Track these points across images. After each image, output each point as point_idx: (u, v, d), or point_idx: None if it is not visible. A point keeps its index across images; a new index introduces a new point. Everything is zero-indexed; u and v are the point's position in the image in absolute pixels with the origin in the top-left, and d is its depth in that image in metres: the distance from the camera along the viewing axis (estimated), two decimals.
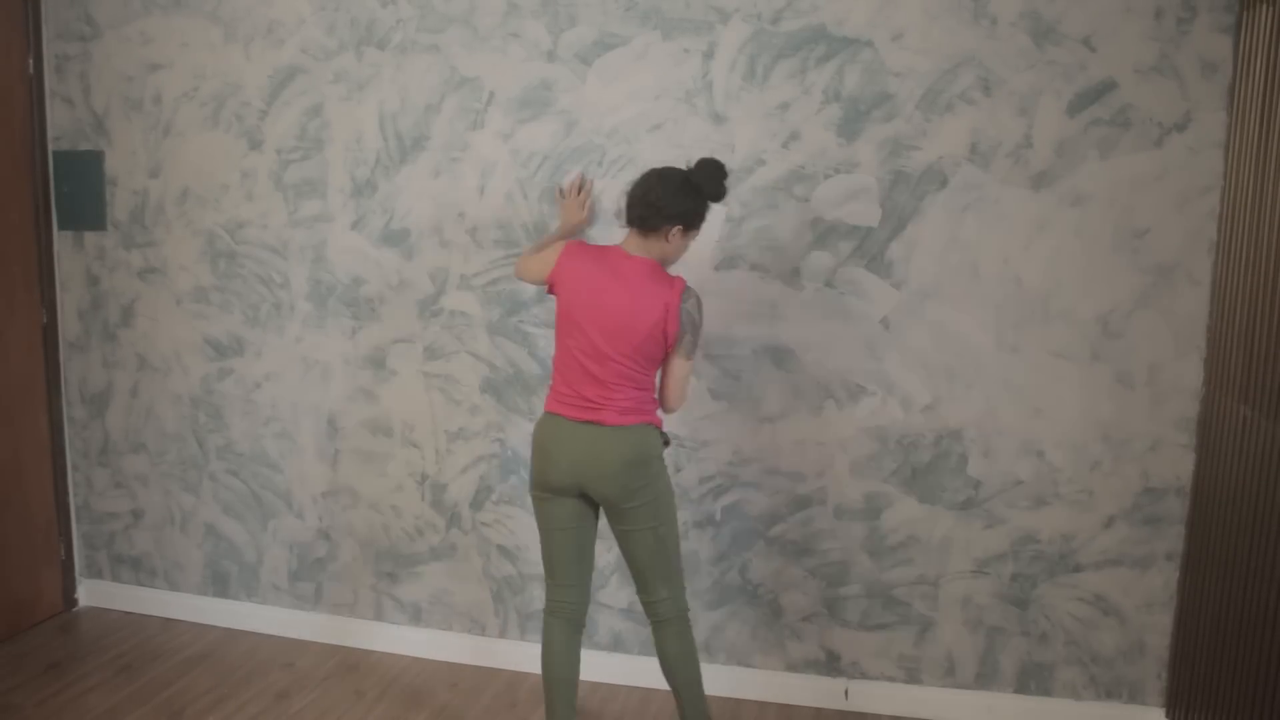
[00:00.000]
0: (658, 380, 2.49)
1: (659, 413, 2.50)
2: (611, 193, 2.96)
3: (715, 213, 2.88)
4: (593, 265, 2.43)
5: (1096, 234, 2.69)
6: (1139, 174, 2.65)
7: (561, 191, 2.96)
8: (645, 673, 3.12)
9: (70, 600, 3.67)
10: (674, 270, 2.58)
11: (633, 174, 2.91)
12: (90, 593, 3.70)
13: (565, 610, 2.55)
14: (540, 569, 3.20)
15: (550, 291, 2.51)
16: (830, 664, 3.03)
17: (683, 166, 2.45)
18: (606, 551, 3.13)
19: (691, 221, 2.42)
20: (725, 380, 2.97)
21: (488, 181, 3.07)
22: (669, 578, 2.49)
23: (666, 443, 2.51)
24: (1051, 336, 2.76)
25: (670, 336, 2.39)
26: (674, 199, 2.37)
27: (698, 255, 2.90)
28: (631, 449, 2.41)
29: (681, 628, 2.51)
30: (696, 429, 3.00)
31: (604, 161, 2.96)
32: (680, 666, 2.51)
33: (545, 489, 2.49)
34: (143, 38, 3.32)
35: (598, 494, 2.44)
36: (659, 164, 2.88)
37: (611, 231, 2.96)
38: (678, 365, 2.45)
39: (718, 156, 2.84)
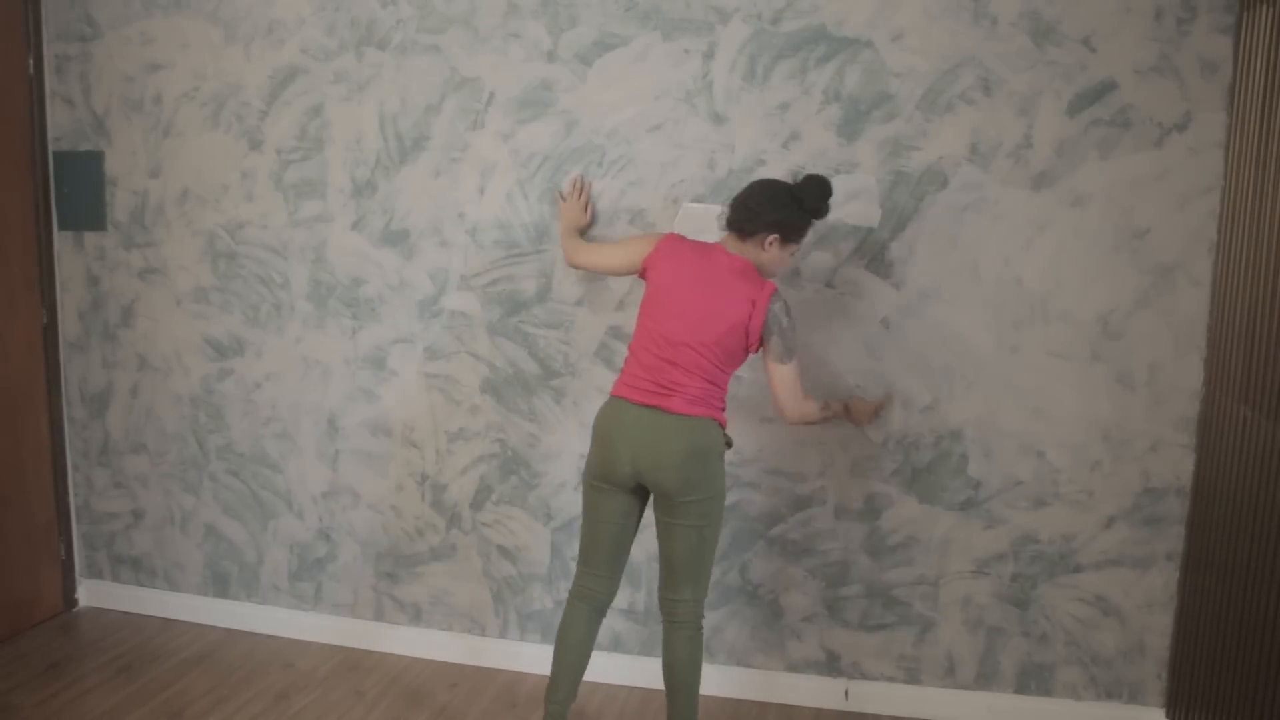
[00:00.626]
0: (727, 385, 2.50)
1: (725, 414, 2.50)
2: (611, 193, 2.96)
3: (715, 213, 2.89)
4: (690, 255, 2.47)
5: (1096, 234, 2.69)
6: (1139, 174, 2.65)
7: (561, 194, 2.96)
8: (645, 673, 3.13)
9: (70, 600, 3.67)
10: None
11: (633, 174, 2.93)
12: (90, 593, 3.70)
13: (592, 597, 2.56)
14: (540, 569, 3.20)
15: (642, 276, 2.54)
16: (830, 664, 3.03)
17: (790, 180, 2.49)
18: None
19: (789, 234, 2.44)
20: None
21: (488, 182, 3.07)
22: (697, 581, 2.49)
23: (729, 444, 2.50)
24: (1051, 336, 2.76)
25: (753, 335, 2.40)
26: (773, 208, 2.40)
27: None
28: (693, 438, 2.40)
29: (694, 633, 2.50)
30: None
31: (604, 162, 2.96)
32: (683, 672, 2.50)
33: (602, 479, 2.48)
34: (143, 38, 3.32)
35: (654, 482, 2.42)
36: (658, 164, 2.90)
37: (612, 229, 2.97)
38: (776, 371, 2.45)
39: (714, 160, 2.86)
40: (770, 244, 2.44)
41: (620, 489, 2.48)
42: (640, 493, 2.52)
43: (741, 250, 2.46)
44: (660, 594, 2.53)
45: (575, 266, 2.81)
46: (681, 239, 2.52)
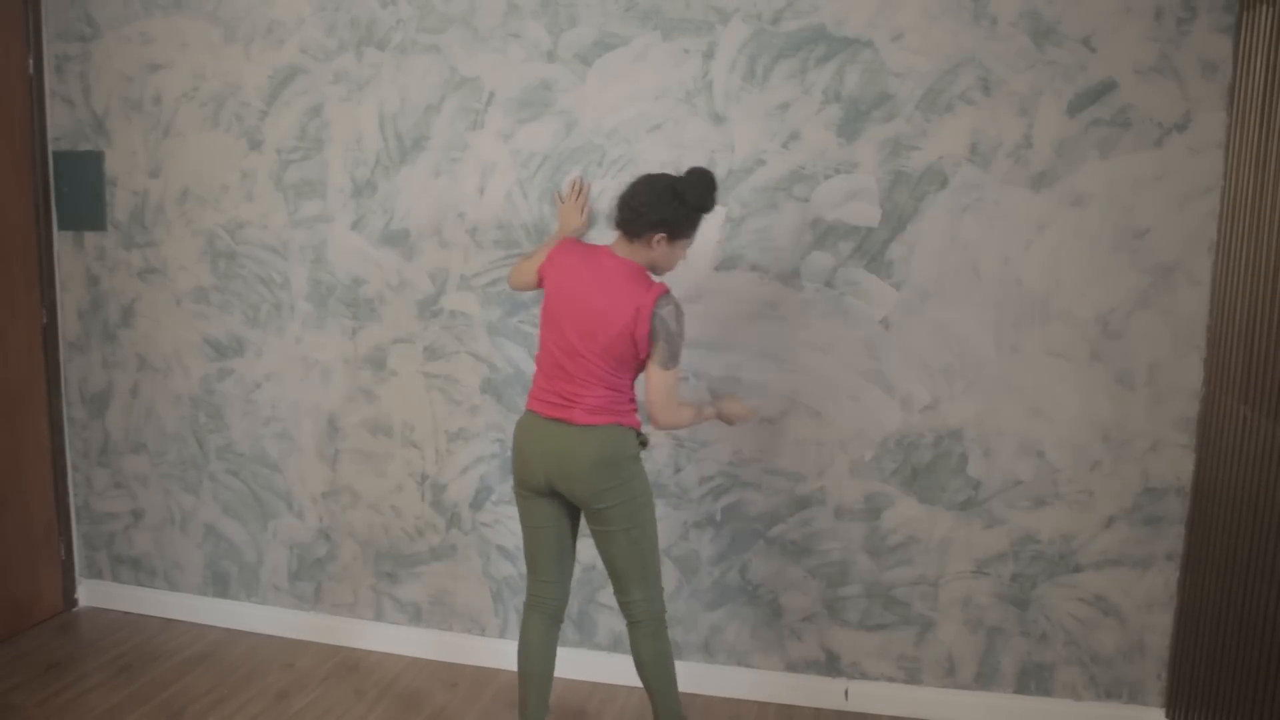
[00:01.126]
0: (639, 386, 2.47)
1: (638, 415, 2.48)
2: (610, 193, 2.96)
3: (715, 213, 2.88)
4: (578, 261, 2.42)
5: (1096, 234, 2.69)
6: (1139, 174, 2.65)
7: (560, 196, 2.96)
8: None
9: (70, 600, 3.67)
10: (669, 276, 2.57)
11: (633, 175, 2.92)
12: (90, 593, 3.70)
13: (544, 605, 2.57)
14: None
15: (539, 285, 2.52)
16: (830, 664, 3.03)
17: (675, 173, 2.43)
18: None
19: (675, 230, 2.36)
20: (725, 380, 2.97)
21: (488, 182, 3.07)
22: (643, 580, 2.48)
23: (644, 444, 2.48)
24: (1051, 336, 2.76)
25: (640, 341, 2.34)
26: (656, 206, 2.33)
27: (698, 254, 2.90)
28: (599, 448, 2.38)
29: (655, 629, 2.50)
30: (696, 429, 3.00)
31: (604, 162, 2.96)
32: (652, 667, 2.50)
33: (522, 486, 2.51)
34: (143, 38, 3.32)
35: (567, 492, 2.43)
36: (658, 165, 2.89)
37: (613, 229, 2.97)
38: (655, 375, 2.37)
39: (714, 160, 2.85)
40: (658, 242, 2.37)
41: (541, 494, 2.49)
42: (564, 497, 2.51)
43: (631, 252, 2.40)
44: (615, 597, 2.55)
45: (513, 288, 2.72)
46: (573, 245, 2.48)
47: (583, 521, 2.56)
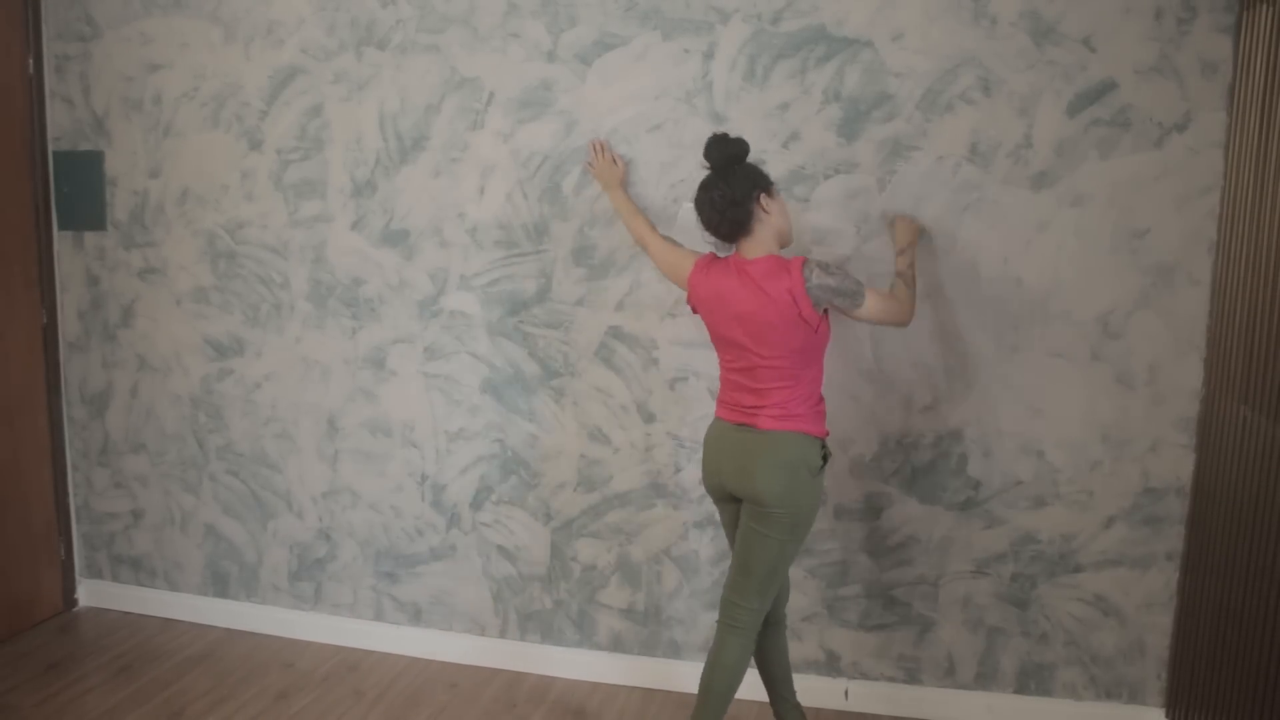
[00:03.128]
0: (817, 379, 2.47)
1: (825, 424, 2.48)
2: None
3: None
4: (720, 279, 2.43)
5: (1096, 234, 2.69)
6: (1139, 174, 2.65)
7: (589, 164, 2.94)
8: (645, 673, 3.13)
9: (70, 600, 3.67)
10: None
11: (633, 174, 2.93)
12: (90, 593, 3.70)
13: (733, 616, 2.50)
14: (540, 569, 3.21)
15: (689, 302, 2.55)
16: (830, 664, 3.03)
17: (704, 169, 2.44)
18: (606, 552, 3.13)
19: (760, 181, 2.38)
20: None
21: (488, 181, 3.07)
22: (764, 593, 2.45)
23: (826, 457, 2.44)
24: (1051, 336, 2.76)
25: (811, 318, 2.34)
26: (730, 184, 2.34)
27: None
28: (783, 453, 2.38)
29: (747, 641, 2.47)
30: (697, 429, 3.00)
31: None
32: (727, 676, 2.46)
33: (710, 491, 2.57)
34: (143, 38, 3.32)
35: (743, 492, 2.43)
36: (658, 164, 2.90)
37: (613, 229, 2.96)
38: (864, 316, 2.40)
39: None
40: (763, 206, 2.37)
41: (726, 500, 2.54)
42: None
43: (755, 246, 2.40)
44: (725, 596, 2.49)
45: (637, 240, 2.78)
46: (710, 263, 2.48)
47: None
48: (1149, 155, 2.64)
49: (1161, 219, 2.66)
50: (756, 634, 2.49)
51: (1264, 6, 2.38)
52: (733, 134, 2.44)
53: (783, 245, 2.46)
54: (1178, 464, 2.74)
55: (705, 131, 2.86)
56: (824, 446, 2.44)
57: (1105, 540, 2.81)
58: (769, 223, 2.40)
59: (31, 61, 3.40)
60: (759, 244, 2.40)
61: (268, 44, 3.20)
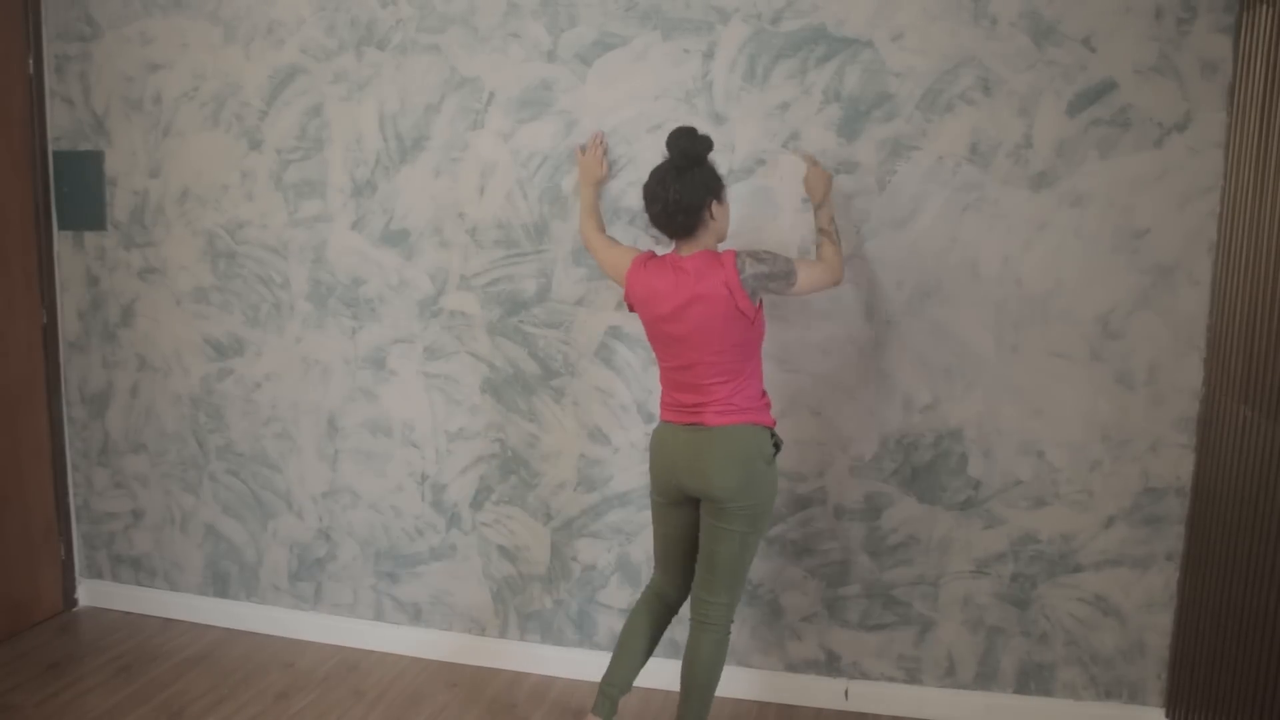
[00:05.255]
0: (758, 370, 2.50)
1: (771, 413, 2.50)
2: (611, 193, 2.96)
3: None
4: (656, 278, 2.43)
5: (1096, 234, 2.69)
6: (1139, 174, 2.65)
7: (581, 149, 2.94)
8: (645, 672, 3.12)
9: (70, 600, 3.67)
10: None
11: (633, 174, 2.93)
12: (90, 593, 3.70)
13: (666, 595, 2.63)
14: (541, 569, 3.21)
15: (626, 299, 2.55)
16: (830, 664, 3.03)
17: (660, 159, 2.44)
18: (606, 552, 3.13)
19: (714, 187, 2.39)
20: None
21: (488, 181, 3.07)
22: (733, 586, 2.48)
23: (777, 446, 2.48)
24: (1051, 336, 2.76)
25: (747, 308, 2.36)
26: (687, 186, 2.35)
27: None
28: (734, 447, 2.40)
29: (721, 637, 2.50)
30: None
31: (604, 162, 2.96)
32: (704, 673, 2.49)
33: (659, 494, 2.56)
34: (143, 38, 3.32)
35: (699, 491, 2.44)
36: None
37: (612, 229, 2.96)
38: (800, 287, 2.44)
39: (714, 160, 2.85)
40: (711, 214, 2.39)
41: (676, 502, 2.54)
42: (697, 503, 2.53)
43: (694, 244, 2.42)
44: (694, 594, 2.53)
45: (583, 239, 2.79)
46: (647, 260, 2.49)
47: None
48: (1149, 155, 2.64)
49: (1161, 219, 2.66)
50: (730, 628, 2.52)
51: (1264, 6, 2.38)
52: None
53: (719, 242, 2.48)
54: (1178, 464, 2.74)
55: (705, 131, 2.86)
56: (774, 435, 2.47)
57: (1105, 540, 2.81)
58: (713, 227, 2.43)
59: (31, 61, 3.40)
60: (698, 243, 2.43)
61: (268, 44, 3.20)
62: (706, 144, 2.39)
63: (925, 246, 2.79)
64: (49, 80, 3.45)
